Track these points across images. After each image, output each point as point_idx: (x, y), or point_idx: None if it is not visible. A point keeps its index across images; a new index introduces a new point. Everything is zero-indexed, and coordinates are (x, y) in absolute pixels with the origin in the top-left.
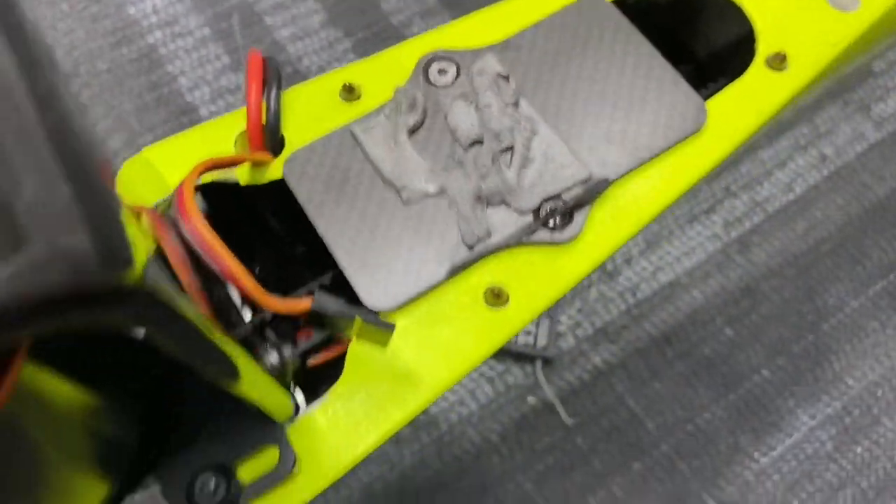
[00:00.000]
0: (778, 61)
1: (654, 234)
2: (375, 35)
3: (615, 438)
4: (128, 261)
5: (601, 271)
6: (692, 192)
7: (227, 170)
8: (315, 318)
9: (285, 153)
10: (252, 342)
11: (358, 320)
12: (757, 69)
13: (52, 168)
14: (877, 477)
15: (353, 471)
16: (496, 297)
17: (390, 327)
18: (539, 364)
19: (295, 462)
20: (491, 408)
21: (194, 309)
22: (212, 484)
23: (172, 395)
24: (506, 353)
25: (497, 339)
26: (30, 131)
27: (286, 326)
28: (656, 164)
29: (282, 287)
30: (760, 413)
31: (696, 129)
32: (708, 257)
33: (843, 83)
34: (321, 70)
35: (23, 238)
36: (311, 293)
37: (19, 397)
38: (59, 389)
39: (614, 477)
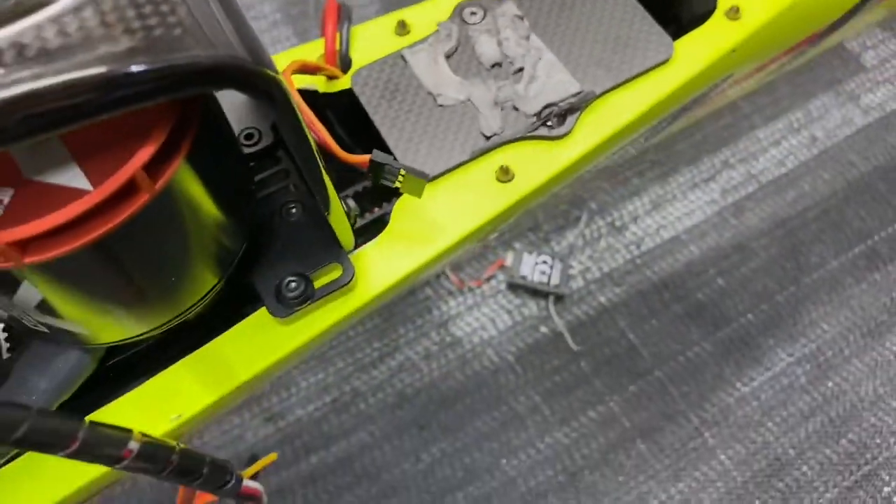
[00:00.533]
0: (733, 12)
1: (659, 196)
2: None
3: (615, 364)
4: (267, 63)
5: (610, 226)
6: (693, 163)
7: (311, 76)
8: (374, 168)
9: (352, 70)
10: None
11: (401, 171)
12: (716, 19)
13: (227, 17)
14: (844, 408)
15: (388, 379)
16: (504, 173)
17: (425, 175)
18: (552, 299)
19: (353, 277)
20: (508, 334)
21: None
22: (294, 285)
23: (266, 227)
24: (523, 289)
25: (502, 203)
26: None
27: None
28: (633, 84)
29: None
30: (744, 349)
31: (665, 59)
32: (706, 218)
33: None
34: None
35: (213, 45)
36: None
37: (176, 184)
38: (199, 191)
39: (612, 395)
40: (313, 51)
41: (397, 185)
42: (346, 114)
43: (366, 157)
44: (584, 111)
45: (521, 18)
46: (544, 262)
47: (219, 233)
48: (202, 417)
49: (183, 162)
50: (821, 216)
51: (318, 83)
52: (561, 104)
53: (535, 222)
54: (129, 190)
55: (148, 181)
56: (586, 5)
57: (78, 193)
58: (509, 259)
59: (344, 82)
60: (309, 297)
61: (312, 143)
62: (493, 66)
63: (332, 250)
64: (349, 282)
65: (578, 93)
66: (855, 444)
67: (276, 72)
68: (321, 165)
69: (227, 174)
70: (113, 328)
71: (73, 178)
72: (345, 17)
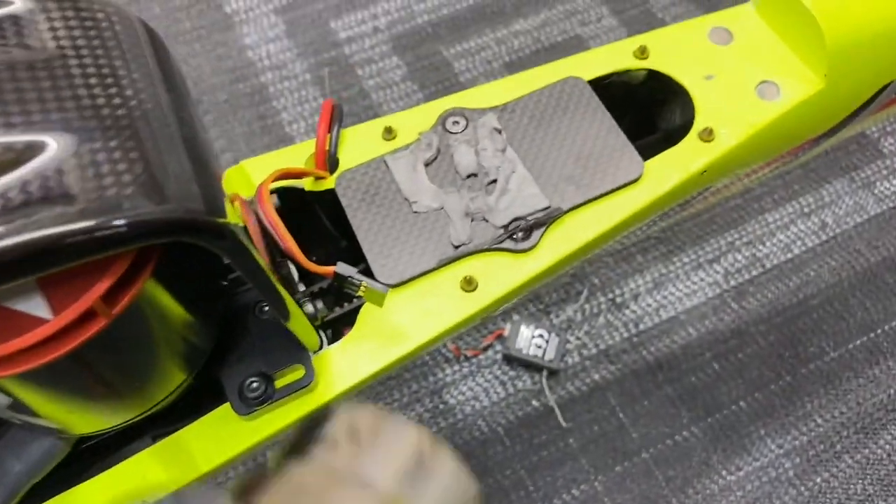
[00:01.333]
0: (706, 134)
1: (661, 275)
2: (445, 89)
3: (603, 443)
4: (221, 213)
5: (610, 303)
6: (699, 243)
7: (296, 180)
8: (339, 279)
9: (339, 172)
10: (300, 300)
11: (363, 283)
12: (690, 139)
13: (186, 162)
14: None
15: None
16: (468, 283)
17: (384, 288)
18: (545, 374)
19: (313, 379)
20: (500, 405)
21: (262, 259)
22: (255, 384)
23: (238, 322)
24: (518, 361)
25: (464, 312)
26: (175, 140)
27: (328, 299)
28: (601, 202)
29: None
30: (733, 437)
31: (634, 179)
32: (706, 300)
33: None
34: None
35: (166, 198)
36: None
37: (137, 306)
38: (162, 308)
39: (598, 475)
40: (306, 150)
41: (360, 294)
42: (334, 208)
43: (330, 269)
44: (549, 226)
45: (500, 132)
46: (541, 335)
47: (185, 338)
48: None
49: (144, 287)
50: (823, 305)
51: (305, 182)
52: (528, 218)
53: (536, 294)
54: (87, 316)
55: (105, 308)
56: (563, 121)
57: (38, 322)
58: (507, 330)
59: (330, 182)
60: (269, 397)
61: (267, 274)
62: (468, 175)
63: (296, 352)
64: (309, 384)
65: (546, 208)
66: None
67: (225, 217)
68: (276, 289)
69: (195, 289)
70: (82, 423)
71: (35, 306)
72: (337, 118)
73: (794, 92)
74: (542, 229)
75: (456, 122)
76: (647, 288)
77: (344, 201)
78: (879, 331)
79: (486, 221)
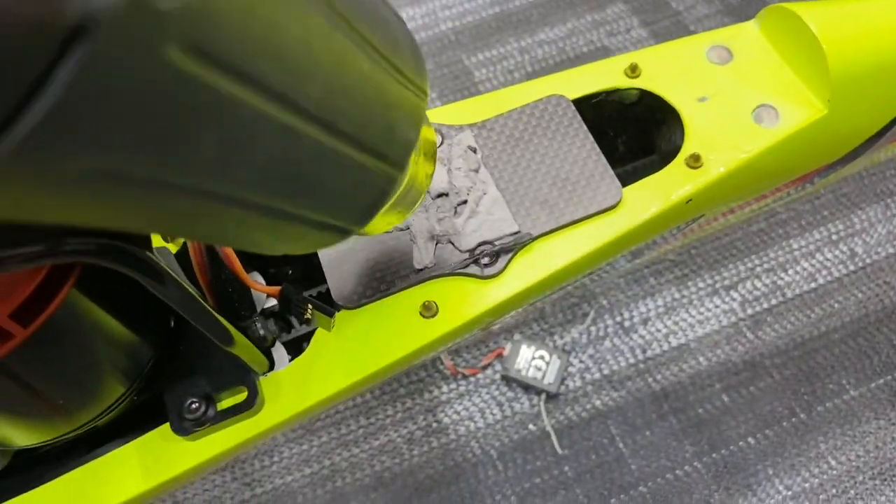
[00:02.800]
0: (693, 160)
1: (674, 300)
2: (464, 98)
3: (599, 473)
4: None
5: (618, 326)
6: (716, 268)
7: None
8: (284, 302)
9: None
10: (251, 323)
11: (309, 307)
12: (676, 165)
13: None
14: None
15: (368, 459)
16: (427, 309)
17: (332, 312)
18: (543, 397)
19: (257, 402)
20: (495, 427)
21: (187, 285)
22: (195, 406)
23: (186, 341)
24: (517, 383)
25: (421, 340)
26: None
27: (279, 322)
28: (574, 229)
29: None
30: (738, 476)
31: (611, 206)
32: (720, 328)
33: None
34: None
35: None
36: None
37: (69, 313)
38: (99, 316)
39: None
40: None
41: (307, 318)
42: None
43: (276, 289)
44: (517, 253)
45: (475, 150)
46: (541, 357)
47: (119, 353)
48: None
49: (68, 301)
50: (846, 339)
51: None
52: (495, 243)
53: (541, 313)
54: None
55: (17, 327)
56: (543, 141)
57: None
58: (508, 349)
59: None
60: (208, 419)
61: (195, 301)
62: (438, 195)
63: (241, 374)
64: (251, 408)
65: (515, 233)
66: None
67: (135, 243)
68: (207, 315)
69: (132, 305)
70: (16, 436)
71: None
72: None
73: (793, 117)
74: (510, 256)
75: None
76: (658, 312)
77: None
78: None
79: (452, 244)
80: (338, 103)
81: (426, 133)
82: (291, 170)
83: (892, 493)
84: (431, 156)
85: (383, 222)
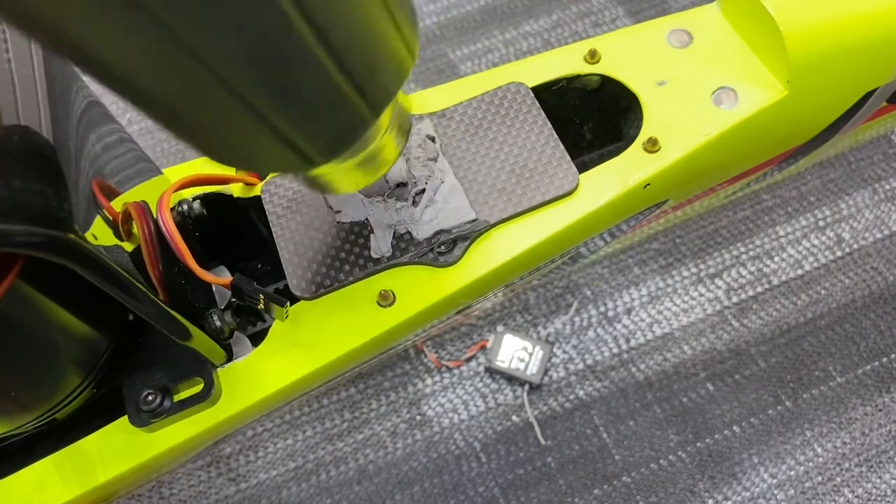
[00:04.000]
0: (650, 144)
1: (659, 289)
2: None
3: (582, 464)
4: (62, 227)
5: (602, 316)
6: (701, 256)
7: (221, 186)
8: (237, 292)
9: (267, 178)
10: (206, 316)
11: (261, 296)
12: (633, 150)
13: (24, 177)
14: None
15: (353, 452)
16: (384, 298)
17: (284, 302)
18: (526, 388)
19: (213, 392)
20: (479, 419)
21: (135, 280)
22: (151, 397)
23: (144, 333)
24: (500, 374)
25: (379, 328)
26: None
27: (243, 316)
28: (532, 215)
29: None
30: (723, 464)
31: (567, 192)
32: (705, 317)
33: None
34: None
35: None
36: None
37: (12, 300)
38: (45, 304)
39: (574, 497)
40: None
41: (260, 307)
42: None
43: (227, 280)
44: (474, 241)
45: (433, 139)
46: (524, 348)
47: (72, 342)
48: None
49: (11, 290)
50: (833, 326)
51: (234, 189)
52: (453, 231)
53: (524, 305)
54: None
55: None
56: (501, 129)
57: None
58: (491, 341)
59: (258, 189)
60: (165, 410)
61: (143, 294)
62: (397, 185)
63: (198, 365)
64: (208, 398)
65: (472, 221)
66: None
67: (68, 231)
68: (161, 310)
69: (80, 292)
70: None
71: None
72: None
73: (753, 99)
74: (467, 243)
75: None
76: (642, 302)
77: (268, 209)
78: (893, 355)
79: (409, 234)
80: (333, 15)
81: (404, 105)
82: (275, 60)
83: (878, 480)
84: (405, 131)
85: (347, 178)
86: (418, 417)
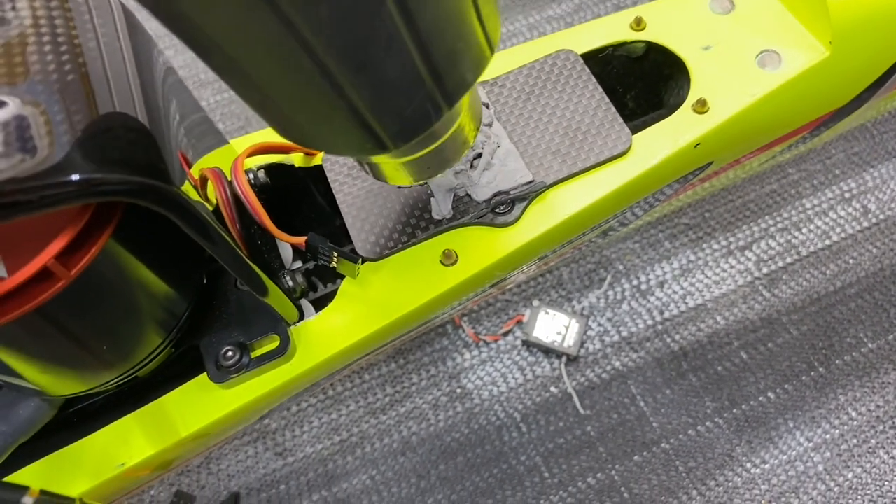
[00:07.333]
0: (700, 105)
1: (690, 262)
2: None
3: (621, 432)
4: (168, 180)
5: (635, 289)
6: (730, 229)
7: (284, 155)
8: (310, 249)
9: None
10: (282, 275)
11: (334, 254)
12: (683, 111)
13: (139, 131)
14: (863, 502)
15: (396, 425)
16: (447, 257)
17: (355, 258)
18: (563, 360)
19: (290, 348)
20: (518, 391)
21: (223, 232)
22: (230, 353)
23: (219, 293)
24: (538, 348)
25: (443, 286)
26: (129, 108)
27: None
28: (587, 176)
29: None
30: (760, 429)
31: (621, 153)
32: (736, 288)
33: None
34: None
35: (106, 160)
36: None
37: (107, 260)
38: (135, 265)
39: (615, 464)
40: None
41: (333, 265)
42: (327, 185)
43: (302, 239)
44: (532, 201)
45: (487, 106)
46: (560, 322)
47: (155, 302)
48: (151, 464)
49: (106, 248)
50: (862, 294)
51: (294, 158)
52: (511, 192)
53: (558, 280)
54: (44, 276)
55: (63, 269)
56: (553, 95)
57: None
58: (527, 315)
59: (319, 158)
60: (244, 366)
61: (229, 246)
62: None
63: (273, 322)
64: (284, 354)
65: (530, 182)
66: None
67: (173, 185)
68: (242, 262)
69: (167, 255)
70: (61, 384)
71: None
72: None
73: (796, 61)
74: (525, 203)
75: None
76: (675, 275)
77: (330, 176)
78: None
79: (469, 197)
80: (424, 1)
81: (477, 99)
82: (362, 36)
83: None
84: (477, 123)
85: (419, 169)
86: (458, 390)
